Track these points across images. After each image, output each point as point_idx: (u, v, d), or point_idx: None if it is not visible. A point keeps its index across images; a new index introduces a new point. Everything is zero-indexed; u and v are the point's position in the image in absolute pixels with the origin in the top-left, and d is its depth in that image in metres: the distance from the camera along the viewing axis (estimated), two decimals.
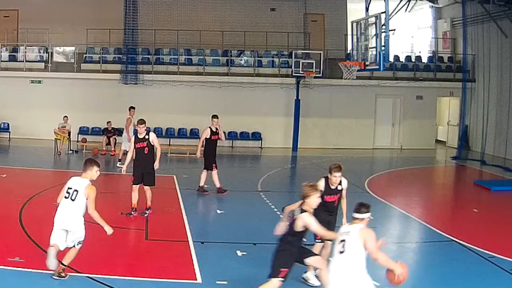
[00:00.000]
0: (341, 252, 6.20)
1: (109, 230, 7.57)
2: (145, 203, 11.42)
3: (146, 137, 11.13)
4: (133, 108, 18.08)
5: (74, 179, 7.61)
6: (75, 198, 7.39)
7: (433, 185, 18.25)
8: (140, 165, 11.32)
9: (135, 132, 11.54)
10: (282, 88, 24.27)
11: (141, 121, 11.23)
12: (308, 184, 6.92)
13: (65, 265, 7.52)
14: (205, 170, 13.90)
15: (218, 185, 13.90)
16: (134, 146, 11.31)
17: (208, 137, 13.78)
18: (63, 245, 7.46)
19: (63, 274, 7.54)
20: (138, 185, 11.42)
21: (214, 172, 13.82)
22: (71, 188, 7.49)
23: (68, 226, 7.43)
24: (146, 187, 11.41)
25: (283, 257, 6.89)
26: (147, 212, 11.35)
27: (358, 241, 6.14)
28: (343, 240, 6.23)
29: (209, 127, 13.84)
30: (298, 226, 6.77)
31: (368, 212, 6.37)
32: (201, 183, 13.95)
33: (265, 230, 10.54)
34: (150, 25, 23.96)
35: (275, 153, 23.47)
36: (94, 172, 7.59)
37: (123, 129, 23.45)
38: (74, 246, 7.55)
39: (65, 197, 7.47)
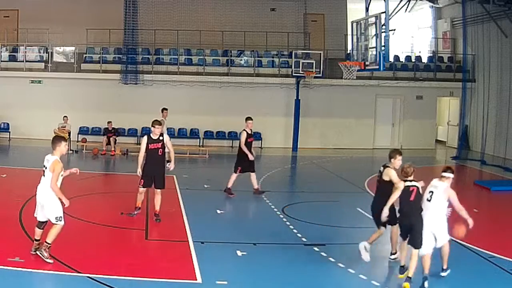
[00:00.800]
0: (428, 200, 8.14)
1: (66, 202, 8.17)
2: (154, 208, 11.04)
3: (161, 138, 10.92)
4: (166, 109, 17.64)
5: (46, 157, 8.39)
6: (45, 174, 8.26)
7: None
8: (153, 166, 10.99)
9: (148, 133, 11.29)
10: (282, 88, 24.27)
11: (157, 122, 10.99)
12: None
13: (48, 243, 8.09)
14: (235, 174, 13.66)
15: (256, 186, 13.88)
16: (147, 147, 10.91)
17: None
18: (41, 217, 8.25)
19: (45, 254, 8.02)
20: (146, 189, 11.16)
21: (252, 175, 13.74)
22: (44, 166, 8.31)
23: (41, 200, 8.24)
24: (157, 191, 11.03)
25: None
26: (159, 217, 11.01)
27: (443, 195, 8.12)
28: (432, 192, 8.17)
29: (245, 130, 13.79)
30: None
31: (452, 173, 8.25)
32: (229, 185, 13.71)
33: (265, 230, 10.56)
34: (150, 25, 23.94)
35: (275, 153, 23.46)
36: (62, 147, 8.36)
37: (123, 129, 23.66)
38: (55, 223, 8.12)
39: (42, 175, 8.31)
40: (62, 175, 8.34)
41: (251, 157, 13.58)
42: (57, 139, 8.44)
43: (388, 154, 8.98)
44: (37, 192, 8.32)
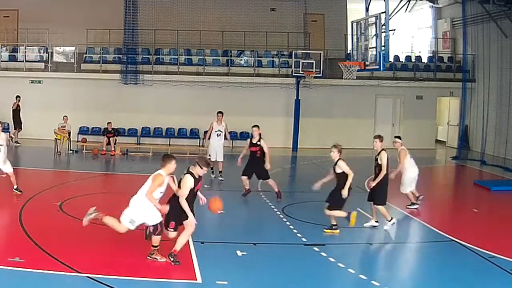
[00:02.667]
0: None
1: (163, 208, 8.39)
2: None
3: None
4: (221, 113, 16.48)
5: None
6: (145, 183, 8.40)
7: (433, 185, 18.22)
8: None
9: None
10: (282, 88, 24.27)
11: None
12: None
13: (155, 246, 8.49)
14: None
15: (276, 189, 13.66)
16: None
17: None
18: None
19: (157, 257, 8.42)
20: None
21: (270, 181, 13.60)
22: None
23: (133, 206, 8.56)
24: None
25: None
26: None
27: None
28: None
29: (250, 138, 13.80)
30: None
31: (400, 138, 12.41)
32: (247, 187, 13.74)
33: (265, 230, 10.56)
34: (150, 25, 23.95)
35: (275, 153, 23.32)
36: (171, 166, 8.32)
37: (123, 129, 23.67)
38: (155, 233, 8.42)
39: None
40: (161, 192, 8.39)
41: (268, 166, 13.33)
42: (168, 157, 8.44)
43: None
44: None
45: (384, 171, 10.64)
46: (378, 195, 10.77)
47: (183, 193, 8.25)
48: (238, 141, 24.61)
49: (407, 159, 12.73)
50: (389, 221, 10.84)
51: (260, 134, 13.55)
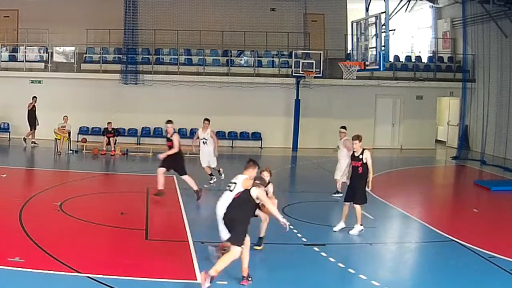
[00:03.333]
0: None
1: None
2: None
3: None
4: (208, 120, 15.54)
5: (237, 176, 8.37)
6: (232, 190, 8.18)
7: (433, 185, 18.24)
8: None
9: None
10: (282, 88, 24.26)
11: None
12: None
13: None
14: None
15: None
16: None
17: None
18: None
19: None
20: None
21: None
22: (232, 183, 8.32)
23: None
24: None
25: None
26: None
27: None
28: None
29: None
30: None
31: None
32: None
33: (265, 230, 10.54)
34: (150, 25, 23.94)
35: (275, 153, 23.46)
36: (252, 172, 8.28)
37: (123, 129, 23.67)
38: None
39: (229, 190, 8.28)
40: None
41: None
42: (252, 163, 8.41)
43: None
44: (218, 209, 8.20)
45: (371, 170, 10.59)
46: (360, 195, 10.62)
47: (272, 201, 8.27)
48: (238, 141, 24.64)
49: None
50: (360, 225, 10.51)
51: (174, 129, 13.58)
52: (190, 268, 8.27)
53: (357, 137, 10.63)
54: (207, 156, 15.33)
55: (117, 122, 22.09)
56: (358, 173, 10.59)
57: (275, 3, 25.67)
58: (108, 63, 24.28)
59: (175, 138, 13.18)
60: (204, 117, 15.85)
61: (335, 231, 10.65)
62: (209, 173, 15.34)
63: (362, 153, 10.57)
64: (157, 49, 24.69)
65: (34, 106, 22.14)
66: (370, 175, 10.59)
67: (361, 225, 10.53)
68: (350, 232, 10.49)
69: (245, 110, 24.31)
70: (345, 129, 13.91)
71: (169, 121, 13.58)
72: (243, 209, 7.84)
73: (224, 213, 7.98)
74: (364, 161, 10.53)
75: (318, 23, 26.00)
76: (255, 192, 7.89)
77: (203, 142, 15.30)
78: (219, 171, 15.61)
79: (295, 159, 22.33)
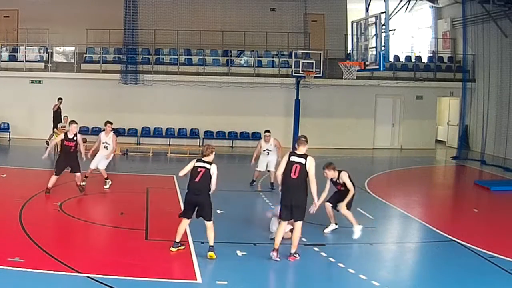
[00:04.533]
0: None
1: None
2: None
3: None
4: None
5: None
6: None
7: (433, 185, 18.24)
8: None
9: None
10: (282, 88, 24.27)
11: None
12: None
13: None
14: None
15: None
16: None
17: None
18: None
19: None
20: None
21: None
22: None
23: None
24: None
25: None
26: None
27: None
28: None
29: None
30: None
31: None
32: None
33: (265, 230, 10.55)
34: (150, 25, 23.94)
35: None
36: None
37: (123, 129, 23.67)
38: None
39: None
40: None
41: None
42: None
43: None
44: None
45: (352, 191, 10.40)
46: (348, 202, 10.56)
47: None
48: (238, 141, 24.64)
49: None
50: (358, 225, 10.40)
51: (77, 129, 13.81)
52: (190, 268, 8.28)
53: (327, 167, 10.56)
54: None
55: (117, 122, 22.06)
56: (340, 192, 10.66)
57: (275, 3, 25.67)
58: (108, 63, 24.28)
59: (79, 138, 13.71)
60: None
61: (326, 233, 10.53)
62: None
63: (338, 177, 10.53)
64: (157, 49, 24.69)
65: (59, 108, 21.93)
66: (348, 197, 10.43)
67: (358, 224, 10.49)
68: (354, 237, 10.27)
69: (245, 110, 24.31)
70: (270, 132, 14.89)
71: (73, 121, 13.89)
72: (306, 189, 9.00)
73: (296, 198, 8.85)
74: (341, 183, 10.55)
75: (318, 23, 26.01)
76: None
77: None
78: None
79: None
